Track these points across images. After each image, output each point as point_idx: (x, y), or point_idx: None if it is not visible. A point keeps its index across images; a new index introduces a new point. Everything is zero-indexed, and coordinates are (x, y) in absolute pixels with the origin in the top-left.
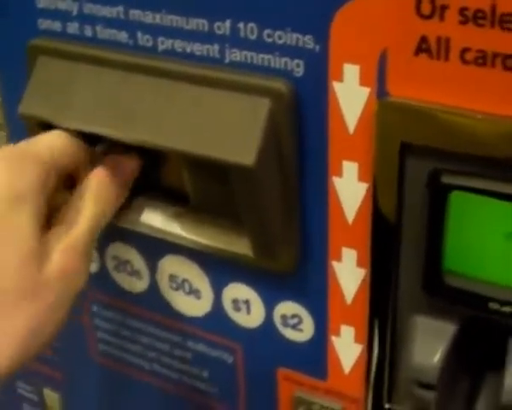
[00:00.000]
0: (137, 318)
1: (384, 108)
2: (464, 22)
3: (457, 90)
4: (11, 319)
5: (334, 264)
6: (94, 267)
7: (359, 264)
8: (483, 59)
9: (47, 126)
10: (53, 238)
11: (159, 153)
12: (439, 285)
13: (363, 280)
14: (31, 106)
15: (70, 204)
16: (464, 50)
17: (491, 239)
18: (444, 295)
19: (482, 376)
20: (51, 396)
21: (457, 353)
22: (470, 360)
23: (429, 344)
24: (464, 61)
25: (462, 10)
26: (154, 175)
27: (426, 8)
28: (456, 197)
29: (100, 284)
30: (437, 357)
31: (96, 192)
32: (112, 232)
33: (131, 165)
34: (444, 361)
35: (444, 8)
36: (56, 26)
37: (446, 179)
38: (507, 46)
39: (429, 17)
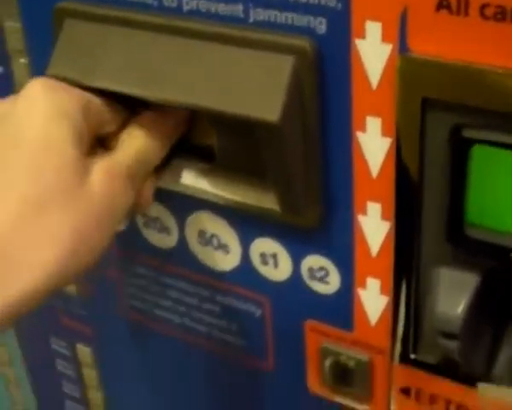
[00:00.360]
0: (166, 273)
1: (405, 63)
2: None
3: (477, 45)
4: (57, 216)
5: (360, 217)
6: (124, 225)
7: (384, 217)
8: (502, 14)
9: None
10: (96, 159)
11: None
12: (461, 237)
13: (388, 233)
14: (59, 68)
15: (118, 136)
16: (483, 6)
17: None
18: (466, 246)
19: (504, 326)
20: (83, 351)
21: (480, 303)
22: (492, 311)
23: (452, 295)
24: (484, 17)
25: None
26: (182, 136)
27: None
28: (477, 151)
29: (129, 241)
30: (460, 307)
31: (148, 127)
32: None
33: (178, 118)
34: (467, 312)
35: None
36: None
37: (467, 133)
38: None
39: None
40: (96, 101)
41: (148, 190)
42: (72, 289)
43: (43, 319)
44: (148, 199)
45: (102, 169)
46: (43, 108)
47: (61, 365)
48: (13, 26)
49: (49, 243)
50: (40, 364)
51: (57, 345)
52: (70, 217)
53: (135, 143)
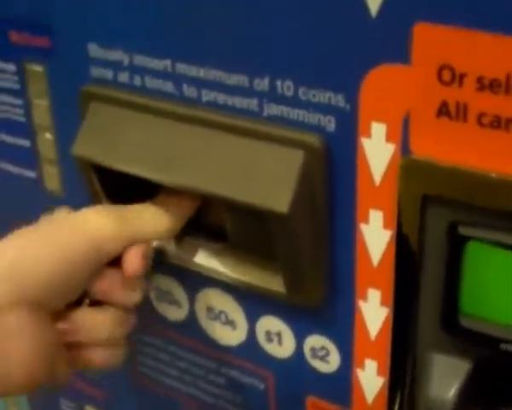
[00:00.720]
0: (176, 344)
1: (407, 164)
2: (481, 89)
3: (474, 149)
4: None
5: (360, 302)
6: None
7: (383, 303)
8: (498, 123)
9: (97, 167)
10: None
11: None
12: (455, 326)
13: (387, 318)
14: (83, 147)
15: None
16: (481, 115)
17: (503, 285)
18: (460, 335)
19: None
20: None
21: (471, 389)
22: (483, 397)
23: (445, 380)
24: (481, 124)
25: (480, 79)
26: (196, 215)
27: (446, 75)
28: (472, 247)
29: (142, 311)
30: (452, 392)
31: (160, 208)
32: (154, 265)
33: (188, 202)
34: (458, 396)
35: (462, 76)
36: (108, 74)
37: (463, 231)
38: None
39: (449, 83)
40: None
41: None
42: None
43: None
44: None
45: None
46: None
47: None
48: (41, 104)
49: None
50: None
51: (66, 407)
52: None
53: (146, 219)
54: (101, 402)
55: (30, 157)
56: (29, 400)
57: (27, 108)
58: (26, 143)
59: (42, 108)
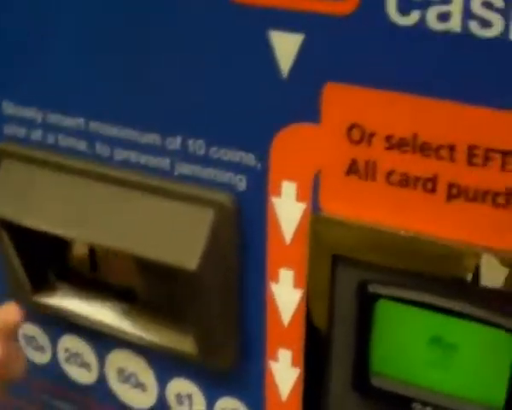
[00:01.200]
0: (87, 409)
1: (317, 222)
2: (389, 148)
3: (383, 208)
4: None
5: (271, 363)
6: (45, 358)
7: (294, 363)
8: (406, 181)
9: (7, 224)
10: None
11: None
12: (366, 386)
13: (298, 378)
14: None
15: None
16: (390, 173)
17: (414, 343)
18: (371, 395)
19: None
20: None
21: None
22: None
23: None
24: (389, 182)
25: (388, 137)
26: (105, 274)
27: (356, 134)
28: (381, 305)
29: (51, 375)
30: None
31: None
32: (64, 326)
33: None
34: None
35: (372, 134)
36: (21, 132)
37: (373, 289)
38: (426, 170)
39: (359, 142)
40: None
41: None
42: None
43: None
44: None
45: None
46: None
47: None
48: None
49: None
50: None
51: None
52: None
53: None
54: None
55: None
56: None
57: None
58: None
59: None
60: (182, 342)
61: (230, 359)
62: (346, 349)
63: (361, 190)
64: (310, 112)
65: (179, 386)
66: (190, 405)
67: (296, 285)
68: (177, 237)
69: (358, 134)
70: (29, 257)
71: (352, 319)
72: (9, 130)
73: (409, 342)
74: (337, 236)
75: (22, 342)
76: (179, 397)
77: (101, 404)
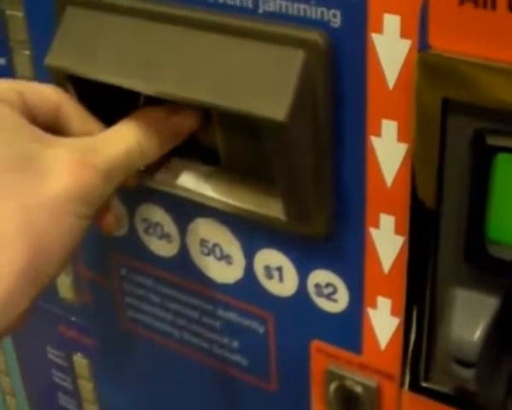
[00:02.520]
0: (167, 283)
1: (425, 61)
2: None
3: (505, 42)
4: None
5: (371, 230)
6: (123, 230)
7: (398, 231)
8: None
9: (73, 78)
10: (67, 142)
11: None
12: (481, 256)
13: (402, 249)
14: (57, 57)
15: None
16: None
17: None
18: (487, 266)
19: None
20: (80, 363)
21: (500, 329)
22: None
23: (470, 319)
24: None
25: None
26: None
27: None
28: (502, 159)
29: (129, 248)
30: (478, 333)
31: (139, 125)
32: (141, 194)
33: (188, 120)
34: (485, 337)
35: None
36: None
37: (492, 140)
38: None
39: None
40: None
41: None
42: (70, 296)
43: (41, 327)
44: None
45: (71, 152)
46: None
47: (57, 376)
48: (16, 16)
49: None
50: (36, 374)
51: (53, 355)
52: (18, 202)
53: (123, 142)
54: (90, 350)
55: (7, 76)
56: (16, 350)
57: (2, 21)
58: (1, 61)
59: (17, 19)
60: (270, 208)
61: (324, 226)
62: (458, 214)
63: (478, 22)
64: None
65: (268, 258)
66: (280, 278)
67: (401, 138)
68: (262, 83)
69: None
70: (97, 115)
71: (466, 177)
72: None
73: None
74: (449, 77)
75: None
76: (268, 270)
77: (182, 278)
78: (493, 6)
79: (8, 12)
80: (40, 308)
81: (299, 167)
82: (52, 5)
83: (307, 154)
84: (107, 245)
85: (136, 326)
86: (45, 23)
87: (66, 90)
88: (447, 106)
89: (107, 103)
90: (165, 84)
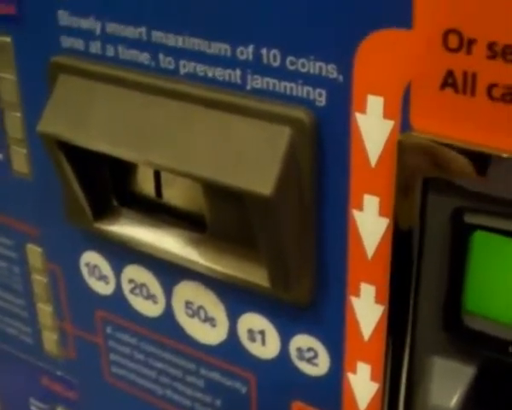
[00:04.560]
0: (151, 342)
1: (407, 141)
2: (492, 57)
3: (483, 126)
4: None
5: (352, 299)
6: (110, 289)
7: (378, 300)
8: (511, 95)
9: (65, 145)
10: None
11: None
12: (458, 326)
13: (382, 316)
14: (49, 124)
15: None
16: (491, 86)
17: None
18: (463, 336)
19: None
20: None
21: (476, 396)
22: (489, 406)
23: (447, 386)
24: (491, 98)
25: (491, 45)
26: (171, 200)
27: (453, 41)
28: (478, 237)
29: (115, 306)
30: (454, 400)
31: None
32: (129, 255)
33: None
34: (461, 405)
35: (471, 42)
36: (79, 44)
37: (469, 218)
38: None
39: (456, 50)
40: None
41: None
42: (55, 351)
43: (24, 379)
44: None
45: None
46: None
47: None
48: (8, 78)
49: None
50: None
51: (36, 407)
52: None
53: None
54: (74, 404)
55: None
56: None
57: None
58: None
59: (9, 82)
60: (254, 274)
61: (307, 293)
62: (437, 285)
63: (457, 106)
64: (400, 15)
65: (251, 321)
66: (263, 341)
67: (382, 213)
68: (249, 158)
69: (456, 41)
70: (89, 181)
71: (444, 252)
72: (66, 42)
73: (507, 278)
74: (429, 157)
75: (85, 270)
76: (251, 333)
77: (166, 337)
78: (472, 92)
79: (0, 74)
80: (24, 361)
81: (283, 238)
82: (43, 71)
83: (291, 226)
84: (94, 303)
85: (120, 382)
86: (37, 87)
87: (58, 157)
88: (427, 185)
89: (97, 171)
90: (156, 155)
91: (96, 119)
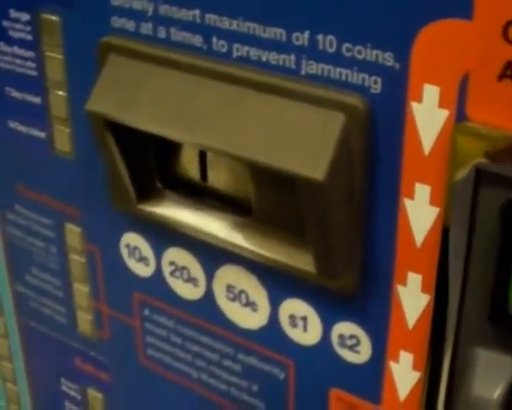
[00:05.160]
0: (189, 325)
1: (461, 132)
2: None
3: None
4: None
5: (398, 287)
6: (149, 271)
7: (424, 289)
8: None
9: (112, 125)
10: None
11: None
12: (505, 317)
13: (427, 306)
14: (98, 103)
15: None
16: None
17: None
18: (509, 328)
19: None
20: (95, 397)
21: None
22: None
23: (490, 378)
24: None
25: None
26: (216, 184)
27: None
28: None
29: (154, 289)
30: (497, 392)
31: None
32: (171, 237)
33: None
34: (504, 398)
35: None
36: (130, 25)
37: None
38: None
39: None
40: None
41: None
42: (90, 332)
43: (56, 359)
44: None
45: None
46: None
47: (69, 408)
48: (55, 57)
49: None
50: (48, 405)
51: (67, 387)
52: None
53: None
54: (106, 386)
55: (40, 116)
56: (29, 380)
57: (40, 61)
58: (36, 100)
59: (56, 62)
60: (299, 260)
61: (353, 281)
62: (484, 277)
63: None
64: (460, 5)
65: (293, 307)
66: (305, 328)
67: (433, 202)
68: (302, 143)
69: None
70: (135, 162)
71: (493, 243)
72: (117, 22)
73: None
74: (483, 148)
75: (125, 252)
76: (293, 319)
77: (205, 320)
78: None
79: (47, 53)
80: (57, 341)
81: (331, 224)
82: (91, 50)
83: (341, 212)
84: (132, 285)
85: (155, 365)
86: (84, 67)
87: (105, 137)
88: (480, 176)
89: (142, 153)
90: (206, 137)
91: (145, 99)
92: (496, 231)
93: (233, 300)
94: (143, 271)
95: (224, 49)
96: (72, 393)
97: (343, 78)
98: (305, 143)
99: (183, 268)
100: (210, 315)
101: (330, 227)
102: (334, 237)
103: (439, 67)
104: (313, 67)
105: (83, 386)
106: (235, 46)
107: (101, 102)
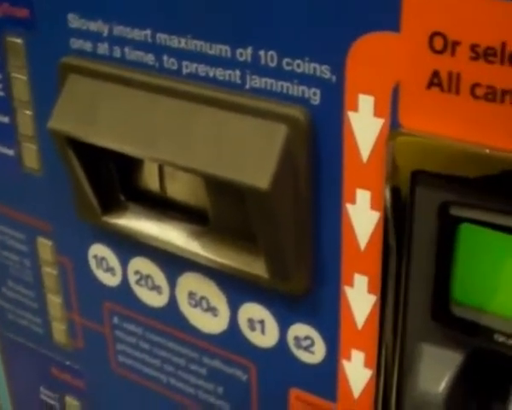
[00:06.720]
0: (156, 332)
1: (395, 139)
2: (475, 58)
3: (467, 123)
4: None
5: (346, 289)
6: (116, 280)
7: (370, 290)
8: (492, 95)
9: (74, 142)
10: None
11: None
12: (446, 315)
13: (374, 306)
14: (59, 121)
15: None
16: (474, 86)
17: (499, 272)
18: (451, 325)
19: (488, 407)
20: (72, 404)
21: (463, 382)
22: (476, 390)
23: (435, 372)
24: (474, 96)
25: (473, 47)
26: (175, 195)
27: (438, 43)
28: (465, 229)
29: (122, 298)
30: (442, 385)
31: None
32: (135, 247)
33: None
34: (449, 390)
35: (455, 44)
36: (87, 46)
37: (455, 211)
38: None
39: (441, 52)
40: None
41: None
42: (64, 341)
43: (35, 368)
44: None
45: None
46: None
47: None
48: (20, 78)
49: None
50: None
51: (46, 396)
52: None
53: None
54: (82, 393)
55: (9, 134)
56: (10, 389)
57: (6, 82)
58: (5, 119)
59: (21, 82)
60: (254, 266)
61: (303, 283)
62: (426, 276)
63: (443, 105)
64: (388, 19)
65: (251, 311)
66: (263, 330)
67: (374, 206)
68: (248, 154)
69: (441, 43)
70: (98, 176)
71: (432, 244)
72: (76, 44)
73: (493, 269)
74: (417, 153)
75: (93, 263)
76: (251, 322)
77: (170, 327)
78: (457, 91)
79: (13, 74)
80: (34, 351)
81: (280, 231)
82: (53, 71)
83: (288, 219)
84: (101, 294)
85: (126, 371)
86: (47, 86)
87: (67, 153)
88: (415, 179)
89: (104, 167)
90: (160, 151)
91: (103, 116)
92: (434, 232)
93: (195, 306)
94: (111, 280)
95: (175, 67)
96: (51, 401)
97: (284, 90)
98: (250, 154)
99: (148, 277)
100: (175, 321)
101: (278, 233)
102: (282, 242)
103: (371, 77)
104: (257, 81)
105: (61, 394)
106: (185, 63)
107: (62, 120)
